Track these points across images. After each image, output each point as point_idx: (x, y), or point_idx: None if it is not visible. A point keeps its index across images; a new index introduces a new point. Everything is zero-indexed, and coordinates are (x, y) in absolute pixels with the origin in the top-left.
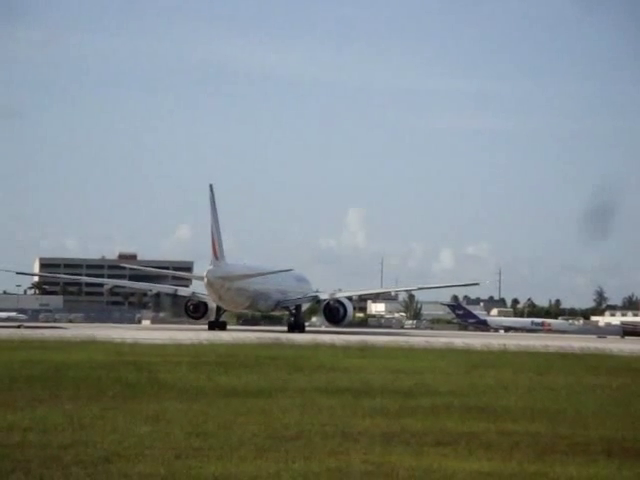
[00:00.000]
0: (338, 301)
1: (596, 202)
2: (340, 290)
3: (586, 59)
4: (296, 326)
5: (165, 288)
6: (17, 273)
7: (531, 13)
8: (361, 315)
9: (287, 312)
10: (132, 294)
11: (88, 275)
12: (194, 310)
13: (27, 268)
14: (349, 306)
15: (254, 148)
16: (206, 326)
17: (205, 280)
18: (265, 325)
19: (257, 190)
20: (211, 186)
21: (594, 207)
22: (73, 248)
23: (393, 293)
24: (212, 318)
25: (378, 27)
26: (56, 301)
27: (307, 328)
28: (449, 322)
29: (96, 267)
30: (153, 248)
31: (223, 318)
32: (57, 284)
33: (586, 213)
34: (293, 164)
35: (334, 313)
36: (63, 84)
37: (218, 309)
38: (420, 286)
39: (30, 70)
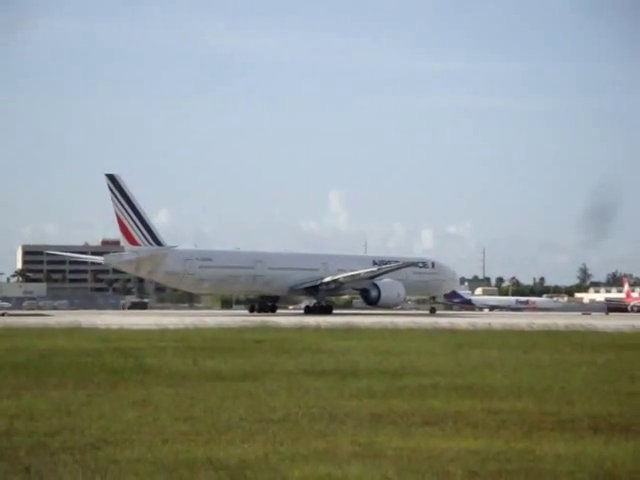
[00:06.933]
0: (372, 283)
1: (595, 197)
2: (343, 271)
3: (587, 42)
4: (316, 308)
5: None
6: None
7: None
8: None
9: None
10: (116, 280)
11: (71, 262)
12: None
13: (9, 256)
14: (387, 288)
15: (233, 130)
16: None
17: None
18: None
19: (238, 173)
20: (112, 176)
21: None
22: (54, 235)
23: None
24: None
25: (355, 7)
26: (40, 288)
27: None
28: (434, 302)
29: (79, 254)
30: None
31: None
32: (40, 271)
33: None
34: (274, 146)
35: (366, 295)
36: (41, 69)
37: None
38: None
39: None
